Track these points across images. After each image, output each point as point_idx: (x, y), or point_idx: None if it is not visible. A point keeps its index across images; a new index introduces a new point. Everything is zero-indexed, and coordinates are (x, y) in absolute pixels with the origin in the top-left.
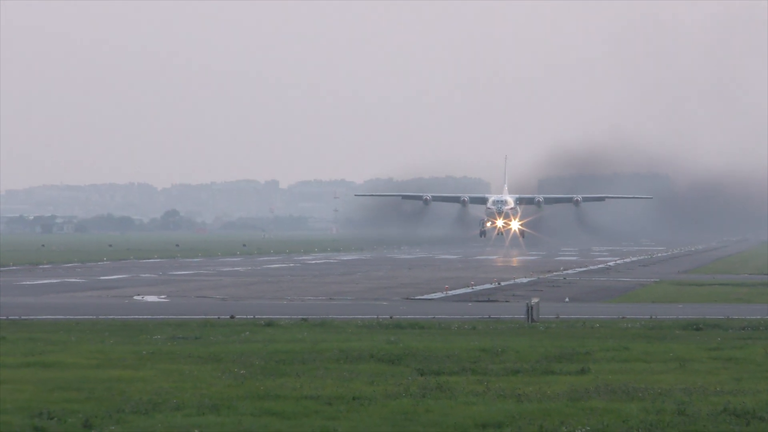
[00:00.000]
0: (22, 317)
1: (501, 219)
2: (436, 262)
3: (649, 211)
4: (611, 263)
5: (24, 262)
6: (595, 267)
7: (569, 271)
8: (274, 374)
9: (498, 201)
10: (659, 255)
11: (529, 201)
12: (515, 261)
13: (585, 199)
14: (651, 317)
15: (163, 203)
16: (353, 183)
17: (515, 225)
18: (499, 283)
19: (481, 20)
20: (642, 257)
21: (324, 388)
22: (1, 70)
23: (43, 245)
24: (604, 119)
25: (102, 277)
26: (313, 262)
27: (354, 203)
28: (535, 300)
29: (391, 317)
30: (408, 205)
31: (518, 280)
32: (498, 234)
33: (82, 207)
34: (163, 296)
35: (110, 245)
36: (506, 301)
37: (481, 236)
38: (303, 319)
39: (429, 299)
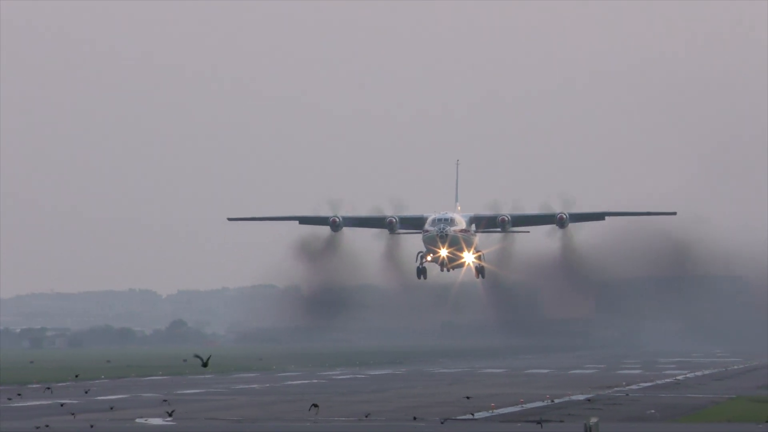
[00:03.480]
0: None
1: (446, 247)
2: (480, 377)
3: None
4: (680, 377)
5: (10, 381)
6: (662, 381)
7: (633, 387)
8: None
9: (440, 219)
10: (735, 367)
11: (491, 221)
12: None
13: (574, 218)
14: None
15: (168, 313)
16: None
17: (469, 257)
18: (551, 401)
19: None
20: (715, 370)
21: None
22: None
23: (31, 361)
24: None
25: (99, 398)
26: (340, 377)
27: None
28: (594, 420)
29: None
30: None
31: (573, 397)
32: (445, 270)
33: (76, 318)
34: (168, 419)
35: (108, 361)
36: (560, 421)
37: (419, 277)
38: None
39: (472, 419)
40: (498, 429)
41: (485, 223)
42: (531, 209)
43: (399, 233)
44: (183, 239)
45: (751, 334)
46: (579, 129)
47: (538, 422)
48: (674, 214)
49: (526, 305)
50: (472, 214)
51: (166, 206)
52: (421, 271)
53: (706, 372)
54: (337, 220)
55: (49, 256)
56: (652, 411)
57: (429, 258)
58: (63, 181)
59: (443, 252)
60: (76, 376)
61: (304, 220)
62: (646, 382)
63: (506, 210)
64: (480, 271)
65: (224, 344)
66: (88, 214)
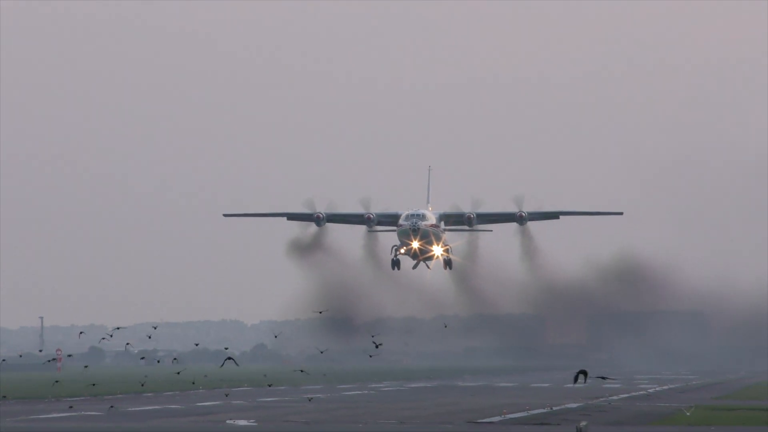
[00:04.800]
0: None
1: (417, 240)
2: (496, 390)
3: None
4: (651, 390)
5: (129, 391)
6: (638, 393)
7: (614, 397)
8: None
9: (413, 215)
10: (694, 383)
11: (458, 219)
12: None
13: (533, 216)
14: None
15: (253, 338)
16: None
17: (438, 251)
18: (551, 408)
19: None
20: (679, 385)
21: None
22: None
23: (146, 376)
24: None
25: (198, 404)
26: (386, 389)
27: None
28: (583, 423)
29: None
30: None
31: (568, 405)
32: (418, 263)
33: (181, 342)
34: (252, 421)
35: (205, 375)
36: (558, 425)
37: (393, 268)
38: None
39: (490, 422)
40: (510, 429)
41: (453, 221)
42: (495, 208)
43: (376, 230)
44: (266, 279)
45: (708, 358)
46: (546, 136)
47: (540, 424)
48: (621, 214)
49: (531, 334)
50: (441, 212)
51: (253, 248)
52: (395, 263)
53: (672, 386)
54: (321, 215)
55: (160, 292)
56: (692, 406)
57: (402, 251)
58: (167, 227)
59: (415, 244)
60: (178, 373)
61: (291, 217)
62: (625, 393)
63: (472, 209)
64: (447, 263)
65: (296, 363)
66: (192, 258)
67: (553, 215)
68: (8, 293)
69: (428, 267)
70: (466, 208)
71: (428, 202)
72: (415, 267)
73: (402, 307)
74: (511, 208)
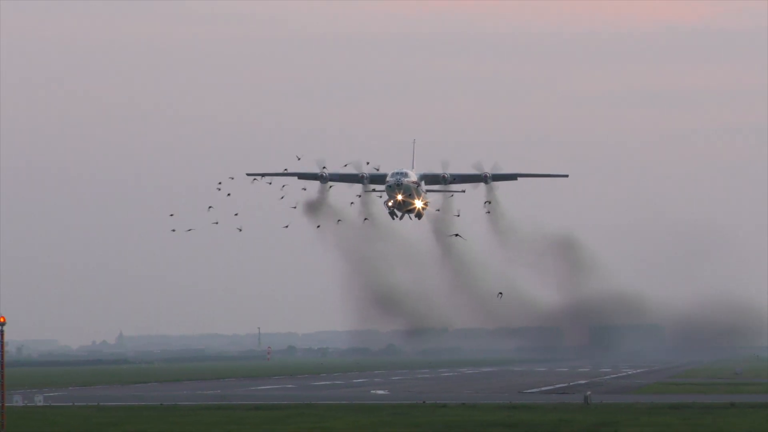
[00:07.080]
0: (313, 402)
1: (400, 194)
2: (534, 373)
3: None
4: (630, 372)
5: (312, 372)
6: (621, 374)
7: (606, 377)
8: None
9: (397, 173)
10: (656, 368)
11: (435, 179)
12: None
13: (495, 177)
14: (651, 402)
15: (385, 340)
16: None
17: (418, 204)
18: (569, 383)
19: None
20: (647, 369)
21: None
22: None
23: (321, 363)
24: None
25: (353, 380)
26: (468, 372)
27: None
28: (588, 392)
29: (510, 402)
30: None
31: (579, 382)
32: (404, 214)
33: (341, 342)
34: (386, 390)
35: (357, 362)
36: (573, 393)
37: (393, 218)
38: (462, 403)
39: (532, 392)
40: (544, 397)
41: (431, 180)
42: (466, 170)
43: (369, 188)
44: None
45: (663, 354)
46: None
47: (562, 393)
48: (566, 176)
49: (557, 339)
50: (421, 172)
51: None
52: (391, 213)
53: (641, 370)
54: (324, 174)
55: (332, 305)
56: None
57: (390, 203)
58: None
59: (399, 197)
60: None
61: (301, 176)
62: (613, 375)
63: (447, 170)
64: (419, 215)
65: (410, 356)
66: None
67: (512, 176)
68: (235, 309)
69: (410, 218)
70: (442, 170)
71: (413, 167)
72: (401, 218)
73: (470, 318)
74: (478, 171)
